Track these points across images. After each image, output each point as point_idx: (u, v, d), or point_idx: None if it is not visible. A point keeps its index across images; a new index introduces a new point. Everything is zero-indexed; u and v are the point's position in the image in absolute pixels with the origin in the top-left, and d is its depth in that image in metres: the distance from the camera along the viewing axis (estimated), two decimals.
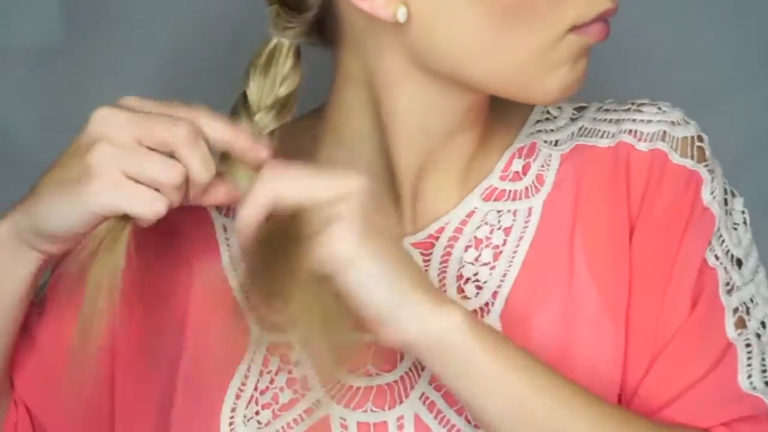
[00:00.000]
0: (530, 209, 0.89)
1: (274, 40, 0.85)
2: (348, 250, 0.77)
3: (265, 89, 0.84)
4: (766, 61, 1.19)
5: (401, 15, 0.81)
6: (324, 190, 0.78)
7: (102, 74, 1.18)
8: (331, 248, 0.77)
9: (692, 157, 0.88)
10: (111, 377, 0.92)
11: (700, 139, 0.89)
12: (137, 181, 0.79)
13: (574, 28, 0.82)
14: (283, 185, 0.79)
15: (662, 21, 1.18)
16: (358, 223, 0.77)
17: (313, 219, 0.78)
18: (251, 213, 0.80)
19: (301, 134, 0.90)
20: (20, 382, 0.92)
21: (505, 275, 0.87)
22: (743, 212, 0.90)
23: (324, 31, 0.87)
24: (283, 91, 0.85)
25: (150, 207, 0.79)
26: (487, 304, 0.86)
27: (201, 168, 0.80)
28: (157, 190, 0.79)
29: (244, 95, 0.85)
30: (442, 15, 0.81)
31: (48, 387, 0.91)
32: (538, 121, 0.92)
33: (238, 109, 0.85)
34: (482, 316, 0.86)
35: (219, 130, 0.81)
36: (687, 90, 1.16)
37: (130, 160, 0.78)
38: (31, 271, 0.84)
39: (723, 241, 0.87)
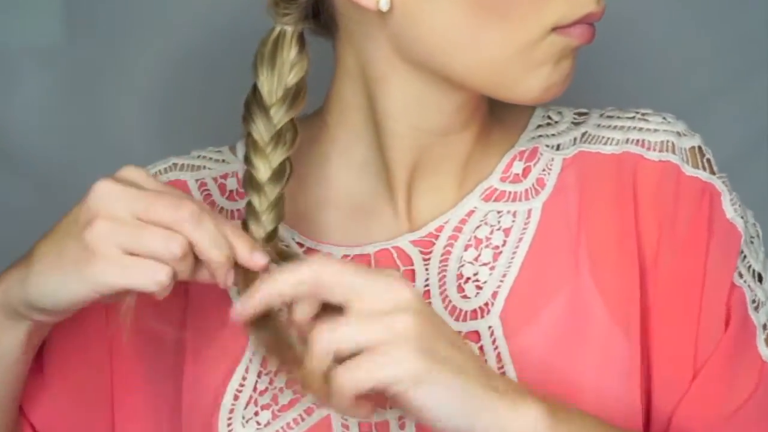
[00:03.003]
0: (530, 211, 0.89)
1: (277, 28, 0.85)
2: (414, 372, 0.74)
3: (275, 79, 0.84)
4: (761, 62, 1.19)
5: (383, 4, 0.82)
6: (376, 297, 0.76)
7: (102, 74, 1.18)
8: (395, 371, 0.74)
9: (704, 169, 0.88)
10: (111, 396, 0.91)
11: (705, 151, 0.89)
12: (138, 255, 0.77)
13: (557, 29, 0.82)
14: (331, 273, 0.76)
15: (657, 22, 1.19)
16: (420, 341, 0.75)
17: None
18: (281, 285, 0.77)
19: (304, 132, 0.90)
20: (30, 409, 0.90)
21: (504, 276, 0.87)
22: (755, 224, 0.90)
23: (321, 18, 0.87)
24: (292, 79, 0.84)
25: (152, 280, 0.77)
26: (486, 304, 0.86)
27: (211, 247, 0.78)
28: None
29: (255, 89, 0.84)
30: (424, 6, 0.82)
31: (57, 413, 0.90)
32: (539, 126, 0.92)
33: (251, 104, 0.84)
34: (482, 315, 0.86)
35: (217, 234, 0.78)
36: (682, 91, 1.17)
37: (128, 236, 0.76)
38: (21, 339, 0.83)
39: (745, 256, 0.87)
